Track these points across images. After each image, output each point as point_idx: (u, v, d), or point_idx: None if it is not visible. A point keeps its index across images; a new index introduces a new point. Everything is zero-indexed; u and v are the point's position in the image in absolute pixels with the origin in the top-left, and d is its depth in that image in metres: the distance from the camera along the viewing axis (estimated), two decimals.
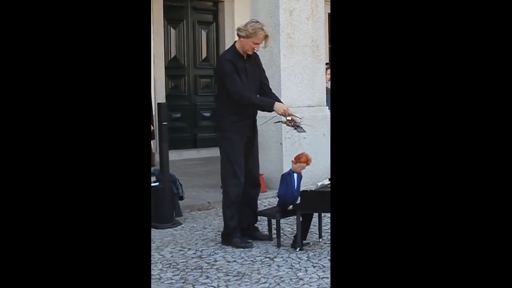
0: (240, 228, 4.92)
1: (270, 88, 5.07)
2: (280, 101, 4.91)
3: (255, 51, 4.83)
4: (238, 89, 4.69)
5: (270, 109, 4.74)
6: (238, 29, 4.79)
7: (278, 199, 4.93)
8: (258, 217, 5.12)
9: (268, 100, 4.81)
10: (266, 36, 4.74)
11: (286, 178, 4.81)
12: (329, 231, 5.14)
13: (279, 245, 4.74)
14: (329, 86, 8.12)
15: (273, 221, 4.90)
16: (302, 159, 4.79)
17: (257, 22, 4.83)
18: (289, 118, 4.72)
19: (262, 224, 5.27)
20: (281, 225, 4.89)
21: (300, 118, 4.79)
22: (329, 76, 8.10)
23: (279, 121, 4.97)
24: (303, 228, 4.71)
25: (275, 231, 4.81)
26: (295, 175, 4.79)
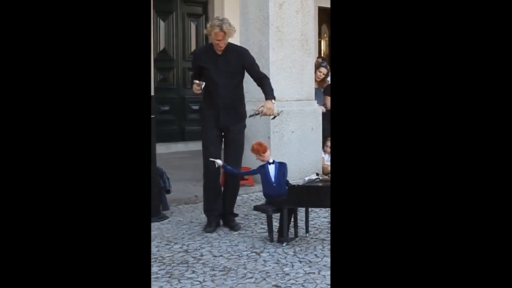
0: (215, 214, 5.19)
1: (268, 79, 5.20)
2: (273, 96, 5.06)
3: (220, 46, 5.01)
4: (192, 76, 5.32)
5: (192, 92, 5.30)
6: (205, 28, 5.22)
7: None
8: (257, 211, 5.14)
9: (194, 80, 5.20)
10: (224, 33, 4.93)
11: (260, 170, 4.80)
12: (316, 226, 5.17)
13: (271, 240, 4.72)
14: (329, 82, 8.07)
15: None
16: (252, 149, 4.82)
17: (217, 19, 5.07)
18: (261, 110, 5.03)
19: (262, 218, 5.30)
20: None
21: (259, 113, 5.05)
22: (322, 72, 8.03)
23: (252, 115, 5.15)
24: (288, 223, 4.69)
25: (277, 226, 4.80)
26: (271, 166, 4.74)
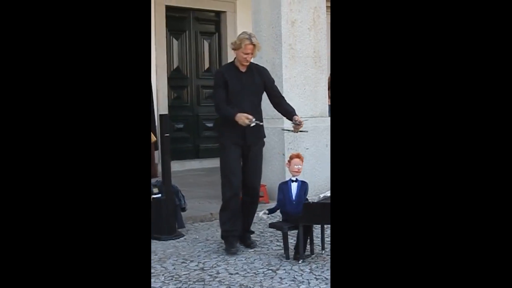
0: (236, 234, 5.06)
1: (284, 99, 5.25)
2: (294, 113, 5.10)
3: (248, 61, 5.00)
4: (217, 100, 5.04)
5: (232, 118, 4.92)
6: (231, 43, 5.11)
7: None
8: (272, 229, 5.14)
9: (231, 111, 4.95)
10: (253, 46, 4.93)
11: (282, 187, 4.84)
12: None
13: (287, 257, 4.73)
14: None
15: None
16: (291, 156, 4.90)
17: (245, 33, 5.06)
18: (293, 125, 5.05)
19: (277, 235, 5.31)
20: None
21: (302, 125, 5.04)
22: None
23: (286, 130, 5.28)
24: (304, 240, 4.70)
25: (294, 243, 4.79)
26: (294, 184, 4.78)
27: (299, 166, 4.84)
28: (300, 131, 5.12)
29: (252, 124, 4.88)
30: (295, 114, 5.08)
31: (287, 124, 5.22)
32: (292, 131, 5.17)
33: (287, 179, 4.96)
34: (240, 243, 5.19)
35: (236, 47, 4.96)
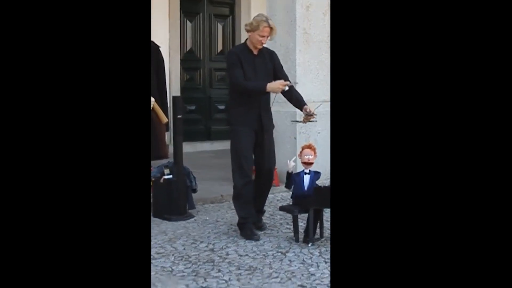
0: (253, 220, 5.01)
1: (293, 86, 5.13)
2: (303, 102, 5.02)
3: (263, 44, 4.93)
4: (235, 79, 4.88)
5: (263, 90, 4.84)
6: (246, 24, 5.00)
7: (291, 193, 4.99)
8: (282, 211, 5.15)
9: (260, 82, 4.88)
10: (270, 29, 4.85)
11: (294, 178, 4.87)
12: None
13: (297, 240, 4.75)
14: None
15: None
16: (302, 147, 4.91)
17: (262, 15, 4.98)
18: (304, 116, 4.95)
19: (287, 219, 5.34)
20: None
21: (314, 115, 4.94)
22: None
23: (296, 121, 5.24)
24: (314, 223, 4.72)
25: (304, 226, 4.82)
26: (306, 176, 4.80)
27: (309, 157, 4.83)
28: (310, 121, 5.06)
29: (286, 89, 4.84)
30: (305, 104, 5.02)
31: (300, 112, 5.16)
32: (301, 121, 5.13)
33: (300, 164, 4.95)
34: (256, 228, 5.12)
35: (253, 29, 4.87)
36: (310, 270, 4.10)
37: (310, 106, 5.01)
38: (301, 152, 4.88)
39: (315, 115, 4.97)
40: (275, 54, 5.18)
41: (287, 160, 4.97)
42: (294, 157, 5.07)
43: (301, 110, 5.04)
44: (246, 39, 5.04)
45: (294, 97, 5.08)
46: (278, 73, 5.09)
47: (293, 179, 4.87)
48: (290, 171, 4.90)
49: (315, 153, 4.86)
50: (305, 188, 4.80)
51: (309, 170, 4.83)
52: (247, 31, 4.94)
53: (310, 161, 4.83)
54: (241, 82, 4.86)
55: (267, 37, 4.89)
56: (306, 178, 4.81)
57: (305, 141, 6.88)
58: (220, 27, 10.45)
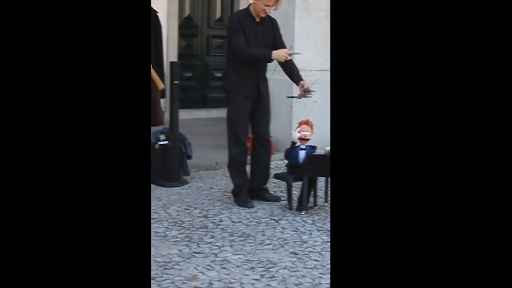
0: (248, 188, 5.01)
1: (299, 54, 5.08)
2: (299, 76, 4.96)
3: (267, 13, 4.85)
4: (238, 45, 4.77)
5: (268, 58, 4.79)
6: None
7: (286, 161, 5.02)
8: (276, 179, 5.16)
9: (266, 51, 4.82)
10: None
11: (288, 152, 4.91)
12: None
13: (290, 207, 4.77)
14: None
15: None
16: (299, 122, 4.91)
17: None
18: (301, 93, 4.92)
19: (281, 186, 5.34)
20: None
21: (312, 92, 4.91)
22: None
23: (291, 96, 5.20)
24: (308, 192, 4.73)
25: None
26: (302, 151, 4.80)
27: (306, 133, 4.81)
28: (306, 97, 5.00)
29: (289, 58, 4.81)
30: (301, 79, 4.94)
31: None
32: (297, 97, 5.04)
33: (296, 143, 4.90)
34: (258, 197, 5.10)
35: None
36: (302, 237, 4.12)
37: (306, 82, 4.93)
38: (298, 127, 4.86)
39: (313, 91, 4.91)
40: (276, 22, 5.09)
41: (282, 129, 4.97)
42: (298, 127, 5.02)
43: (297, 85, 4.96)
44: (250, 5, 4.94)
45: (288, 67, 4.97)
46: (278, 42, 5.02)
47: (287, 155, 4.89)
48: (294, 142, 4.89)
49: (312, 129, 4.85)
50: (300, 161, 4.81)
51: (306, 146, 4.82)
52: None
53: (307, 137, 4.82)
54: (245, 49, 4.77)
55: (272, 6, 4.80)
56: (302, 154, 4.81)
57: (301, 109, 6.87)
58: None
